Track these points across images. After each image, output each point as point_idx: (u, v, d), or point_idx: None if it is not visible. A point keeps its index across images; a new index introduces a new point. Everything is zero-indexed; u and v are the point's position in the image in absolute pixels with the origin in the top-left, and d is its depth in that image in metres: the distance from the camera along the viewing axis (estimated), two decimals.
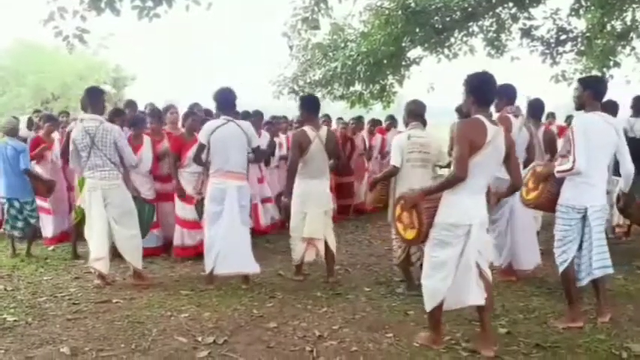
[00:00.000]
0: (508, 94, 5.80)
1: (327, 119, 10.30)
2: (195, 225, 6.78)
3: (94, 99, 5.86)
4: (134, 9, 7.56)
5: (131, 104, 8.38)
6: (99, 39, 26.10)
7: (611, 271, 4.59)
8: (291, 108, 12.03)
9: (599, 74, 12.47)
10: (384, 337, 4.36)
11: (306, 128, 5.90)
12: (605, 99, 4.75)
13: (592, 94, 4.55)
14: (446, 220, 3.84)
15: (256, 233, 7.78)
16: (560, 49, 12.69)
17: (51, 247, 7.58)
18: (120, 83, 29.13)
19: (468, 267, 3.87)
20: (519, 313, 4.92)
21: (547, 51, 12.71)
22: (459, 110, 7.66)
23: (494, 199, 4.36)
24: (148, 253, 6.60)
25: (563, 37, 12.54)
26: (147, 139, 7.03)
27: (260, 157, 6.08)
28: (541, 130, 6.24)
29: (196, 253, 6.73)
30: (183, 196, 6.78)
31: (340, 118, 11.07)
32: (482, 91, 3.91)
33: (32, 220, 7.23)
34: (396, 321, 4.75)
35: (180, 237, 6.91)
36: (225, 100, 5.82)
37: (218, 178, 5.68)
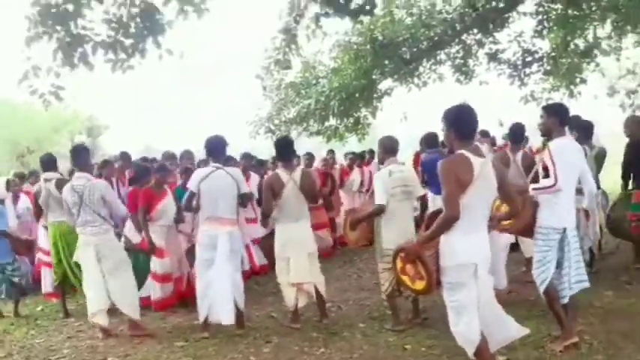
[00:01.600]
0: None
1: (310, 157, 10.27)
2: (166, 278, 6.75)
3: (80, 157, 5.97)
4: (107, 62, 7.63)
5: (124, 156, 8.72)
6: (71, 91, 26.03)
7: (587, 284, 4.74)
8: (268, 147, 12.12)
9: (567, 91, 12.88)
10: None
11: (279, 171, 5.93)
12: (576, 117, 4.92)
13: (557, 120, 4.73)
14: (451, 262, 3.70)
15: (253, 274, 7.90)
16: (527, 70, 13.04)
17: (39, 307, 7.46)
18: (94, 132, 29.10)
19: (491, 305, 3.83)
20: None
21: (514, 73, 13.05)
22: (422, 141, 7.70)
23: (496, 222, 4.26)
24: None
25: (529, 58, 12.89)
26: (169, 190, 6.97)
27: (246, 202, 6.08)
28: (519, 154, 6.33)
29: (172, 304, 6.79)
30: (153, 252, 6.66)
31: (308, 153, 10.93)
32: (461, 124, 3.80)
33: (15, 279, 7.09)
34: (393, 357, 4.77)
35: (154, 291, 6.79)
36: (216, 148, 5.88)
37: (209, 225, 5.69)
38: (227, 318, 5.53)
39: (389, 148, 5.64)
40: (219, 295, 5.57)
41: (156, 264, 6.74)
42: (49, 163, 7.07)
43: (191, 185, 5.76)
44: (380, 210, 5.40)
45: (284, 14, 10.27)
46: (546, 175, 4.66)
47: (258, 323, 6.02)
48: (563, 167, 4.53)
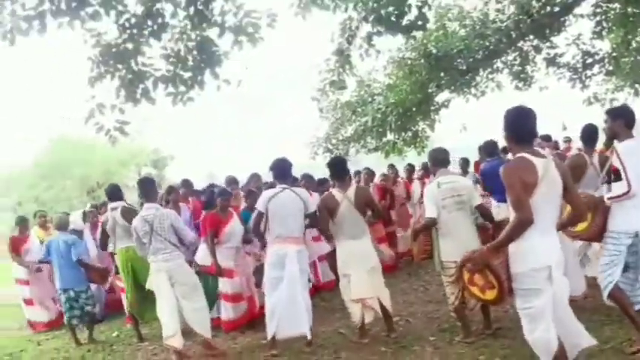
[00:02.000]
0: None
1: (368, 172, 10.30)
2: (236, 298, 6.91)
3: (147, 189, 6.29)
4: (168, 96, 7.92)
5: (185, 183, 9.06)
6: (136, 125, 26.99)
7: None
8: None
9: (632, 90, 12.46)
10: None
11: (334, 191, 5.99)
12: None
13: (623, 123, 4.60)
14: (523, 267, 3.59)
15: (318, 289, 8.02)
16: (588, 72, 12.71)
17: (114, 333, 7.73)
18: (160, 164, 29.98)
19: (565, 310, 3.72)
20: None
21: (575, 76, 12.73)
22: (481, 149, 7.60)
23: (560, 227, 4.07)
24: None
25: (590, 60, 12.57)
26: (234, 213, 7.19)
27: (314, 221, 6.18)
28: (595, 156, 6.10)
29: (243, 324, 6.93)
30: (221, 274, 6.82)
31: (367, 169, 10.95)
32: (519, 126, 3.72)
33: (88, 308, 7.43)
34: None
35: (225, 311, 6.96)
36: (282, 169, 6.07)
37: (278, 244, 5.81)
38: (303, 327, 5.67)
39: (437, 159, 5.60)
40: (289, 311, 5.65)
41: (226, 285, 6.91)
42: (113, 192, 7.44)
43: (259, 205, 5.92)
44: (431, 223, 5.33)
45: (336, 36, 10.40)
46: (617, 179, 4.51)
47: (326, 340, 6.04)
48: (634, 170, 4.38)
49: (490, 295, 3.84)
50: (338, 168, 6.14)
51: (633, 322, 4.52)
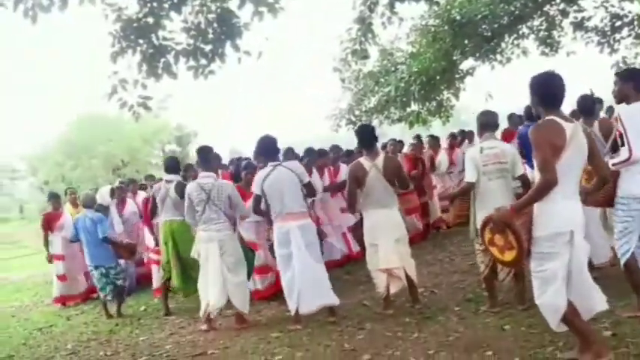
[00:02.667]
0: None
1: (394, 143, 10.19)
2: (262, 270, 7.02)
3: (205, 157, 6.29)
4: (189, 69, 7.91)
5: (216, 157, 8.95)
6: (158, 102, 27.13)
7: None
8: (350, 138, 12.12)
9: None
10: (483, 357, 4.24)
11: (362, 159, 5.90)
12: None
13: (632, 86, 4.48)
14: (546, 231, 3.58)
15: (351, 260, 8.14)
16: (617, 35, 12.39)
17: (142, 308, 7.87)
18: (183, 141, 30.14)
19: (582, 274, 3.68)
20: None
21: (603, 40, 12.43)
22: (510, 117, 7.48)
23: (584, 196, 4.06)
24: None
25: (618, 23, 12.24)
26: None
27: (312, 191, 6.15)
28: (595, 124, 5.94)
29: (270, 295, 7.00)
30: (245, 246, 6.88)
31: (397, 140, 10.89)
32: (549, 90, 3.69)
33: (119, 282, 7.60)
34: (492, 338, 4.61)
35: (252, 283, 7.07)
36: (267, 148, 6.02)
37: (280, 222, 5.81)
38: (326, 299, 5.70)
39: (483, 123, 5.40)
40: (306, 286, 5.67)
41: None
42: (171, 165, 7.37)
43: (254, 188, 5.91)
44: (468, 188, 5.23)
45: (358, 4, 10.25)
46: (622, 144, 4.41)
47: (350, 312, 6.04)
48: (635, 134, 4.28)
49: (509, 256, 3.83)
50: (367, 135, 6.03)
51: (634, 287, 4.55)
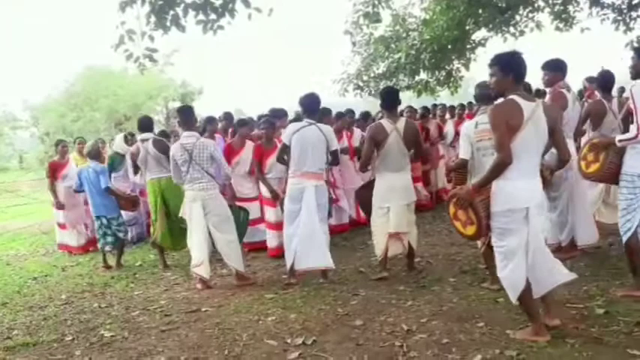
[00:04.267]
0: (559, 69, 5.69)
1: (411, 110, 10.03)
2: (280, 226, 6.94)
3: (186, 117, 6.30)
4: (198, 24, 7.76)
5: (227, 116, 9.25)
6: (164, 57, 26.83)
7: None
8: (357, 104, 12.01)
9: None
10: (475, 327, 4.26)
11: (383, 121, 5.86)
12: None
13: None
14: (501, 207, 3.75)
15: (358, 225, 8.18)
16: (634, 13, 12.10)
17: (137, 262, 7.89)
18: (188, 98, 29.85)
19: (541, 250, 3.82)
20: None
21: (619, 18, 12.17)
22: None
23: (547, 172, 4.25)
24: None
25: (636, 1, 11.92)
26: (249, 144, 7.60)
27: (336, 159, 6.21)
28: (614, 101, 5.91)
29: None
30: (277, 198, 7.00)
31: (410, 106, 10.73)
32: (520, 69, 3.77)
33: (120, 234, 7.66)
34: (486, 310, 4.63)
35: (270, 239, 7.23)
36: (310, 105, 6.02)
37: (296, 178, 5.85)
38: (322, 261, 5.78)
39: (479, 95, 5.28)
40: (307, 244, 5.74)
41: (270, 213, 7.21)
42: (145, 123, 7.49)
43: (284, 138, 5.94)
44: (461, 164, 5.09)
45: None
46: (632, 121, 4.41)
47: (345, 277, 6.06)
48: None
49: (470, 230, 4.03)
50: (392, 97, 6.00)
51: (632, 266, 4.62)
